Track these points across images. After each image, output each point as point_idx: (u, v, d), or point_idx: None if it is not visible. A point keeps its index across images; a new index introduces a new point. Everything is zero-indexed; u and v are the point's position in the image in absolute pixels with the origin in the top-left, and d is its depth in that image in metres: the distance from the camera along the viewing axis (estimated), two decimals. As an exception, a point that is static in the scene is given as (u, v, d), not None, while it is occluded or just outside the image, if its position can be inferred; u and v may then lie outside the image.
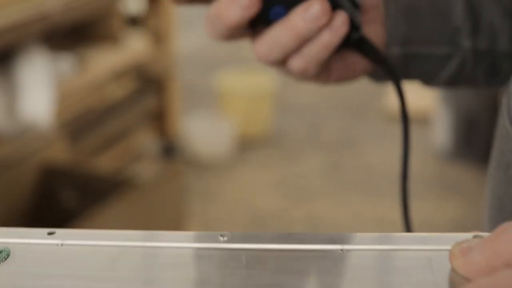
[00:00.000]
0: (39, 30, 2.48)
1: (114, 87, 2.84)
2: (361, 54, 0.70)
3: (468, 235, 0.44)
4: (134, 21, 3.11)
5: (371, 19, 0.70)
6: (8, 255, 0.51)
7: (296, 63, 0.68)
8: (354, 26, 0.68)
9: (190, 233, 0.50)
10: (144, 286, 0.47)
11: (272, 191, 3.29)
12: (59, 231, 0.53)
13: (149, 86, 3.09)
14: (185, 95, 3.73)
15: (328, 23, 0.65)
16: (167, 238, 0.50)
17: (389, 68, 0.71)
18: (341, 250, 0.46)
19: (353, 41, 0.68)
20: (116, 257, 0.49)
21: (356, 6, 0.68)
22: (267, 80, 3.90)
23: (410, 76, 0.74)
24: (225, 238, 0.49)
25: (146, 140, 3.10)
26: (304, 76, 0.70)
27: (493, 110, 3.20)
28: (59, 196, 2.33)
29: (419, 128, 3.51)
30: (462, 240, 0.44)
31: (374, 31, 0.70)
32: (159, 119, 3.21)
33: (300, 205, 3.13)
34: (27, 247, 0.52)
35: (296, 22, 0.65)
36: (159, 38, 3.11)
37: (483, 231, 0.46)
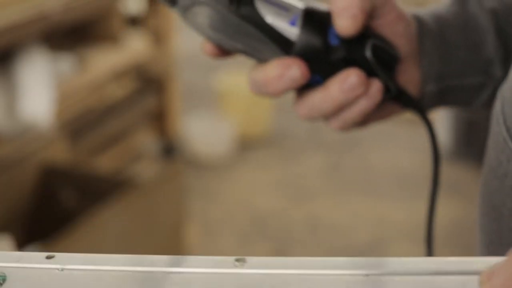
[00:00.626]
0: (39, 30, 2.48)
1: (114, 87, 2.84)
2: (397, 103, 0.72)
3: (499, 259, 0.44)
4: (134, 21, 3.11)
5: (405, 58, 0.72)
6: (4, 280, 0.48)
7: (335, 124, 0.71)
8: (389, 88, 0.69)
9: (201, 258, 0.47)
10: None
11: (272, 191, 3.29)
12: (58, 255, 0.49)
13: (149, 86, 3.09)
14: (185, 95, 3.73)
15: (364, 92, 0.68)
16: (173, 263, 0.47)
17: (423, 114, 0.73)
18: (366, 275, 0.44)
19: (389, 98, 0.70)
20: (120, 283, 0.47)
21: (392, 58, 0.69)
22: (267, 80, 3.90)
23: (446, 105, 0.76)
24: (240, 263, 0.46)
25: (146, 140, 3.11)
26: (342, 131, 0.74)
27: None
28: (59, 196, 2.33)
29: (419, 128, 3.51)
30: (493, 265, 0.44)
31: (409, 69, 0.72)
32: (159, 119, 3.22)
33: (300, 205, 3.13)
34: (25, 272, 0.48)
35: (334, 92, 0.68)
36: (159, 38, 3.11)
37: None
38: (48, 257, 0.48)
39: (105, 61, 2.79)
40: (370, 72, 0.68)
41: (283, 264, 0.46)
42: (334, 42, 0.67)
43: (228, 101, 3.83)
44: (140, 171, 2.83)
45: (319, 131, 3.79)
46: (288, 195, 3.23)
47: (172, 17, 3.19)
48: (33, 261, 0.48)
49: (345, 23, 0.67)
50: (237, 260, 0.46)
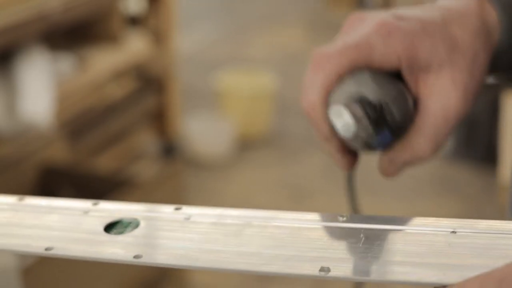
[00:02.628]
0: (39, 30, 2.48)
1: (114, 87, 2.84)
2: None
3: None
4: (134, 21, 3.11)
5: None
6: (137, 225, 0.55)
7: None
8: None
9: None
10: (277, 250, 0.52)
11: (272, 191, 3.29)
12: (185, 207, 0.58)
13: (149, 86, 3.09)
14: (185, 95, 3.73)
15: None
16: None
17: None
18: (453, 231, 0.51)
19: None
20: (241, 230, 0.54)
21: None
22: (267, 80, 3.90)
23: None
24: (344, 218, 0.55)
25: (146, 140, 3.10)
26: None
27: (493, 111, 3.20)
28: (58, 196, 2.33)
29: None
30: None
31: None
32: (159, 119, 3.21)
33: (300, 204, 3.13)
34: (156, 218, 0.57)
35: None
36: (159, 38, 3.11)
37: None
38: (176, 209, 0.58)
39: (105, 61, 2.79)
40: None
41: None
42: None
43: (227, 101, 3.83)
44: (140, 171, 2.83)
45: (319, 131, 3.78)
46: (287, 195, 3.23)
47: (172, 17, 3.19)
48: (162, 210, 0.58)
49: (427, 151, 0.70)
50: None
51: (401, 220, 0.53)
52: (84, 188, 2.34)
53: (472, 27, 0.69)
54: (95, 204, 0.59)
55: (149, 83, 3.08)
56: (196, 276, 2.58)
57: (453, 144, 3.47)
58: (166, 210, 0.58)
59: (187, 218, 0.56)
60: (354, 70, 0.67)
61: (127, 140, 2.96)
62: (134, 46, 2.98)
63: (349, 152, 0.71)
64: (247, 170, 3.50)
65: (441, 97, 0.67)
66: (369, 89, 0.66)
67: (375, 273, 0.48)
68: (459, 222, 0.52)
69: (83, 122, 2.69)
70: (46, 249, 0.54)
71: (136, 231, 0.55)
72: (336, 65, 0.67)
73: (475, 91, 0.69)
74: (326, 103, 0.67)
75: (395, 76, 0.68)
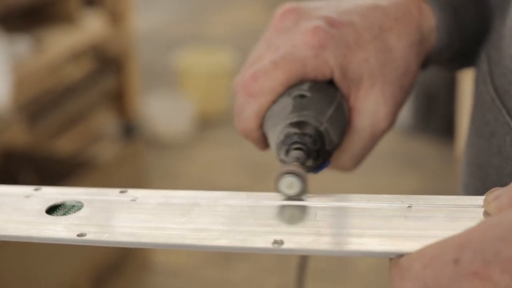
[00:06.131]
0: (-6, 12, 2.45)
1: (72, 68, 2.82)
2: None
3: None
4: (91, 1, 3.08)
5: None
6: (80, 208, 0.55)
7: None
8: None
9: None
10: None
11: (233, 169, 3.30)
12: (130, 190, 0.57)
13: (108, 66, 3.07)
14: (144, 74, 3.71)
15: None
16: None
17: None
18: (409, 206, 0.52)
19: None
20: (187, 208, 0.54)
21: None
22: (226, 57, 3.89)
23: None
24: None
25: (105, 121, 3.09)
26: None
27: (451, 84, 3.23)
28: (18, 179, 2.32)
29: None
30: (495, 188, 0.48)
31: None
32: (118, 99, 3.20)
33: (261, 182, 3.13)
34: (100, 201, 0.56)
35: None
36: (116, 17, 3.09)
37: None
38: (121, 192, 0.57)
39: (62, 42, 2.77)
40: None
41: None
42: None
43: (187, 80, 3.82)
44: (100, 152, 2.81)
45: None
46: (248, 173, 3.24)
47: (129, -4, 3.17)
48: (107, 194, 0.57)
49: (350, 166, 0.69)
50: None
51: (357, 198, 0.53)
52: (44, 170, 2.33)
53: (409, 38, 0.67)
54: (36, 189, 0.58)
55: (108, 64, 3.06)
56: (158, 257, 2.59)
57: (411, 118, 3.50)
58: (111, 193, 0.57)
59: (133, 200, 0.55)
60: (290, 84, 0.65)
61: (86, 121, 2.94)
62: (92, 26, 2.96)
63: None
64: (208, 149, 3.50)
65: (371, 113, 0.66)
66: (307, 115, 0.63)
67: (330, 245, 0.48)
68: (415, 197, 0.52)
69: (41, 104, 2.67)
70: None
71: (80, 213, 0.54)
72: (268, 92, 0.64)
73: (403, 103, 0.68)
74: (261, 125, 0.66)
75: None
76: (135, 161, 2.47)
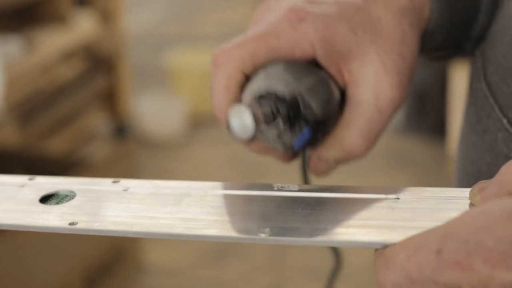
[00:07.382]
0: (-15, 12, 2.45)
1: (63, 68, 2.81)
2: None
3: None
4: (82, 1, 3.08)
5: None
6: (73, 197, 0.56)
7: None
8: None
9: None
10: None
11: (226, 168, 3.30)
12: (123, 180, 0.58)
13: (99, 66, 3.07)
14: (135, 74, 3.71)
15: None
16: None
17: None
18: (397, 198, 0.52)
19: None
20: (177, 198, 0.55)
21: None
22: (217, 57, 3.89)
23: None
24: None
25: (97, 121, 3.09)
26: None
27: (443, 83, 3.23)
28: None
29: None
30: (482, 181, 0.49)
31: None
32: (110, 99, 3.20)
33: (254, 181, 3.14)
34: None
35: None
36: (107, 17, 3.08)
37: None
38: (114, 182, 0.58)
39: (54, 42, 2.77)
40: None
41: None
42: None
43: (179, 79, 3.82)
44: (92, 152, 2.81)
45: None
46: (241, 172, 3.24)
47: (120, -4, 3.17)
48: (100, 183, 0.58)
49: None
50: None
51: (344, 188, 0.54)
52: (36, 170, 2.32)
53: (397, 6, 0.63)
54: (31, 179, 0.59)
55: (99, 63, 3.06)
56: (151, 257, 2.59)
57: (403, 116, 3.50)
58: (104, 183, 0.58)
59: (125, 190, 0.57)
60: (267, 63, 0.61)
61: (78, 121, 2.94)
62: (83, 26, 2.96)
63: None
64: (200, 149, 3.50)
65: (371, 84, 0.62)
66: (280, 82, 0.58)
67: (317, 235, 0.48)
68: (402, 189, 0.53)
69: (33, 104, 2.67)
70: None
71: (73, 202, 0.55)
72: (236, 60, 0.61)
73: (409, 75, 0.64)
74: (232, 103, 0.61)
75: (317, 66, 0.61)
76: (127, 160, 2.47)
